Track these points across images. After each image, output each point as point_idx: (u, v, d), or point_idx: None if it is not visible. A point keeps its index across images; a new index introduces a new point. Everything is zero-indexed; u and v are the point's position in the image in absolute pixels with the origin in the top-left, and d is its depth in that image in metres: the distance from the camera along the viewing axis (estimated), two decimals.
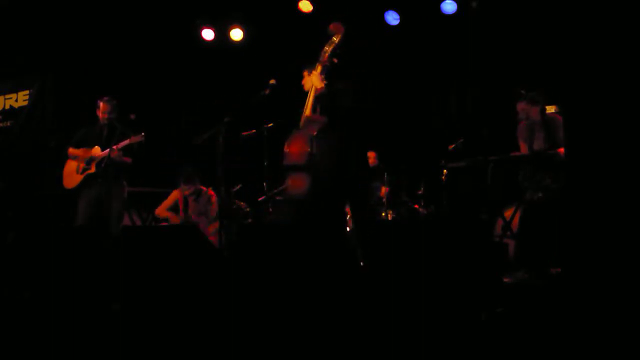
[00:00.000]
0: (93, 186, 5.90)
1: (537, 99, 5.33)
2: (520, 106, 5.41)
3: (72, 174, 6.01)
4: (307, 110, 4.71)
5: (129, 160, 5.89)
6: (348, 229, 6.09)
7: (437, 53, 7.38)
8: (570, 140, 3.08)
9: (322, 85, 4.64)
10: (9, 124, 8.26)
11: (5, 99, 8.34)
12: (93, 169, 5.88)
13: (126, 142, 5.76)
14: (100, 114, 6.02)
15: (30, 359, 3.32)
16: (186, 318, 3.67)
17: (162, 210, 6.76)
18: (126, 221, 6.80)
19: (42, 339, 3.48)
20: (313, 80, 4.67)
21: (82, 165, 5.94)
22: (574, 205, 2.98)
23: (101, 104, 6.00)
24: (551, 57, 6.34)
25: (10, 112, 8.28)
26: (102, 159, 5.81)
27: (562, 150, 5.03)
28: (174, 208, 6.72)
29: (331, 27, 4.75)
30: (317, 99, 4.68)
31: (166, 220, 6.69)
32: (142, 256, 4.14)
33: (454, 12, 6.93)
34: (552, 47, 6.30)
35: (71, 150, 6.05)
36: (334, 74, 4.72)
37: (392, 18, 7.18)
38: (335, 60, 4.70)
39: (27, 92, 8.15)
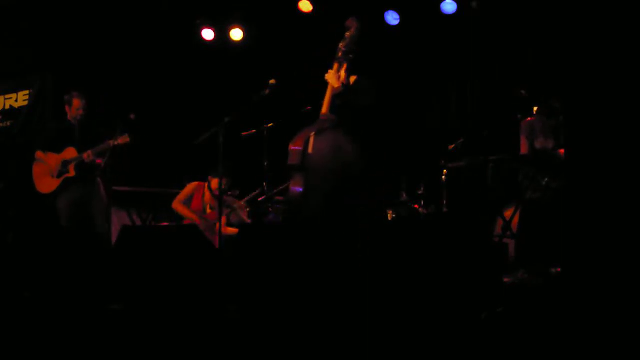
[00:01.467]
0: (71, 189, 5.76)
1: (554, 108, 5.22)
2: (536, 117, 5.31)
3: (45, 178, 5.82)
4: (324, 109, 4.66)
5: (100, 162, 5.72)
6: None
7: (437, 53, 7.38)
8: (570, 140, 3.08)
9: (339, 83, 4.58)
10: (9, 124, 8.26)
11: (5, 99, 8.33)
12: (72, 173, 5.73)
13: (106, 145, 5.62)
14: (72, 111, 5.83)
15: (30, 359, 3.32)
16: (186, 318, 3.67)
17: (178, 204, 6.29)
18: (126, 221, 6.79)
19: (42, 339, 3.48)
20: (330, 79, 4.60)
21: (58, 168, 5.78)
22: (574, 205, 2.98)
23: (74, 100, 5.80)
24: (551, 56, 6.35)
25: (10, 112, 8.27)
26: (80, 161, 5.70)
27: (562, 150, 5.03)
28: (187, 202, 6.32)
29: (347, 22, 4.70)
30: (333, 97, 4.60)
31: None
32: (142, 256, 4.14)
33: (454, 12, 6.92)
34: (552, 47, 6.31)
35: (40, 154, 5.85)
36: (352, 70, 4.64)
37: (392, 18, 7.17)
38: (351, 57, 4.62)
39: (27, 92, 8.15)
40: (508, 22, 6.88)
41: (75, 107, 5.81)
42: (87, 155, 5.64)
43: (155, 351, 3.31)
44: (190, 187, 6.34)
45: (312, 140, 4.40)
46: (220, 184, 5.15)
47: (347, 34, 4.60)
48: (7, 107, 8.31)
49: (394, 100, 7.52)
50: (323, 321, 3.34)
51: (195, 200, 6.32)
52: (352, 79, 4.56)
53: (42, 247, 4.46)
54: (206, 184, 6.23)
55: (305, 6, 7.28)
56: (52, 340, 3.46)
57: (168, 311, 3.77)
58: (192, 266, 3.99)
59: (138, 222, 6.99)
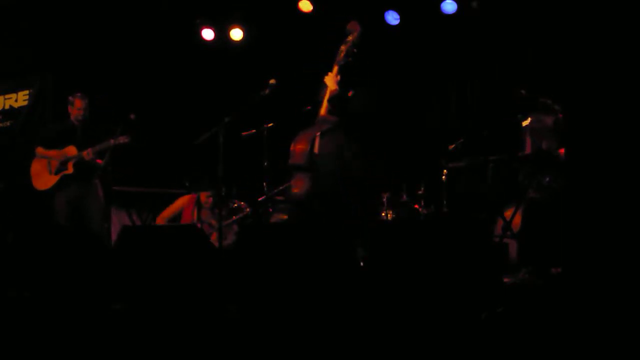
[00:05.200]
0: (68, 187, 5.80)
1: (552, 108, 5.18)
2: (535, 117, 5.28)
3: (43, 175, 5.87)
4: (322, 110, 4.71)
5: (100, 162, 5.77)
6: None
7: (437, 53, 7.38)
8: (570, 139, 3.08)
9: (336, 86, 4.64)
10: (9, 124, 8.26)
11: (5, 99, 8.33)
12: (70, 170, 5.77)
13: (107, 144, 5.66)
14: (74, 111, 5.89)
15: (30, 359, 3.32)
16: (187, 318, 3.67)
17: (161, 220, 6.47)
18: (126, 221, 6.79)
19: (43, 339, 3.48)
20: (328, 81, 4.67)
21: (56, 165, 5.82)
22: (574, 205, 2.99)
23: (76, 101, 5.87)
24: (552, 57, 6.35)
25: (10, 112, 8.27)
26: (80, 159, 5.73)
27: (562, 150, 5.02)
28: (174, 219, 6.46)
29: (349, 26, 4.74)
30: (331, 99, 4.67)
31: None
32: (142, 256, 4.14)
33: (454, 12, 6.92)
34: (552, 47, 6.31)
35: (41, 150, 5.90)
36: (351, 74, 4.70)
37: (392, 18, 7.17)
38: (350, 60, 4.67)
39: (27, 92, 8.14)
40: (508, 22, 6.88)
41: (77, 107, 5.88)
42: (87, 153, 5.68)
43: (156, 351, 3.31)
44: (180, 201, 6.37)
45: (317, 140, 4.46)
46: (220, 188, 5.16)
47: (350, 37, 4.66)
48: (7, 107, 8.31)
49: (394, 100, 7.53)
50: (323, 321, 3.34)
51: (185, 215, 6.34)
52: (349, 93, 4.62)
53: (42, 246, 4.46)
54: (195, 197, 6.27)
55: (305, 6, 7.28)
56: (52, 340, 3.46)
57: (168, 311, 3.77)
58: (192, 266, 3.99)
59: (138, 222, 6.99)
